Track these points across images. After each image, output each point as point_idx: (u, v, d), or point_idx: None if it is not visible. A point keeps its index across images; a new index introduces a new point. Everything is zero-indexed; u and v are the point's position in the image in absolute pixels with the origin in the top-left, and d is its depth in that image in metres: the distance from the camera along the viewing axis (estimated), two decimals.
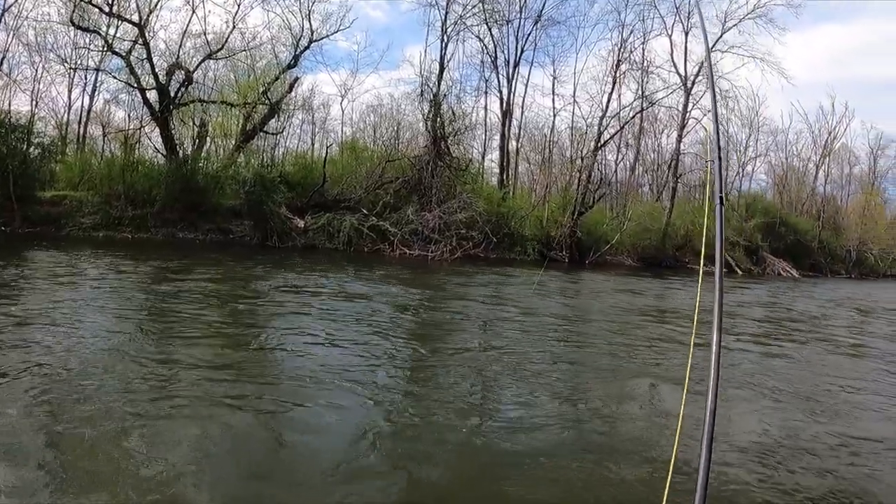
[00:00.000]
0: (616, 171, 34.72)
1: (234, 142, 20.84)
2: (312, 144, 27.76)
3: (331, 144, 25.28)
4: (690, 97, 32.84)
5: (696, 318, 2.45)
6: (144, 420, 3.96)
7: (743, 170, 42.82)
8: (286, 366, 5.71)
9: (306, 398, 4.71)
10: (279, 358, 6.00)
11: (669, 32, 32.63)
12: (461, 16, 26.78)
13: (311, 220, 20.28)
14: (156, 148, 20.59)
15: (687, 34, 32.53)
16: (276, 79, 21.68)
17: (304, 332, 7.10)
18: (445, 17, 25.98)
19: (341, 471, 3.50)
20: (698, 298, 2.47)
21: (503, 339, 7.79)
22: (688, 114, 32.86)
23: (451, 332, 8.28)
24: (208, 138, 20.97)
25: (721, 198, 2.24)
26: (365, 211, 21.29)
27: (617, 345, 7.86)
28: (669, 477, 1.88)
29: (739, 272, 33.28)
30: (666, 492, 1.74)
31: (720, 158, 2.24)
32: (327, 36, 23.52)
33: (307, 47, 22.76)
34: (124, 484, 3.10)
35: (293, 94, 23.52)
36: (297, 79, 23.31)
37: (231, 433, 3.89)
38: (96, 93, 22.66)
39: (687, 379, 2.35)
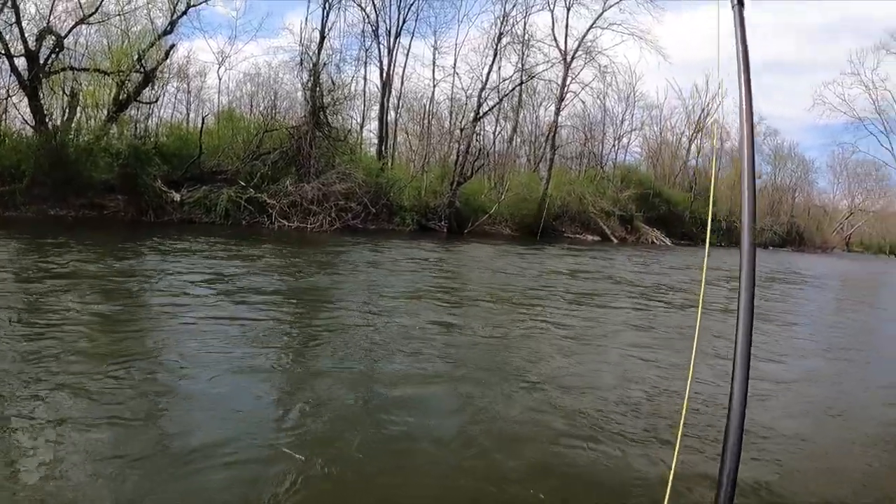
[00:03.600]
0: (494, 142, 37.51)
1: (106, 112, 21.43)
2: (188, 114, 28.41)
3: (207, 114, 26.23)
4: (569, 71, 35.76)
5: (702, 291, 2.90)
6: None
7: (619, 142, 46.57)
8: (162, 351, 5.67)
9: (181, 384, 4.82)
10: (153, 344, 5.96)
11: (551, 7, 35.58)
12: None
13: (187, 193, 21.19)
14: (24, 119, 20.95)
15: (569, 10, 35.59)
16: (152, 45, 22.11)
17: (180, 312, 7.22)
18: None
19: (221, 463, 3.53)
20: (704, 271, 2.33)
21: (384, 313, 8.34)
22: (566, 87, 35.90)
23: (330, 308, 8.65)
24: (79, 108, 21.39)
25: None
26: (242, 183, 22.53)
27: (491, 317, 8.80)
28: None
29: (614, 240, 36.89)
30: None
31: None
32: (205, 1, 24.32)
33: (184, 12, 23.34)
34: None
35: (169, 61, 24.01)
36: (173, 45, 23.75)
37: (102, 437, 3.75)
38: None
39: (693, 361, 2.42)
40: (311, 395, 4.82)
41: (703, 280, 2.33)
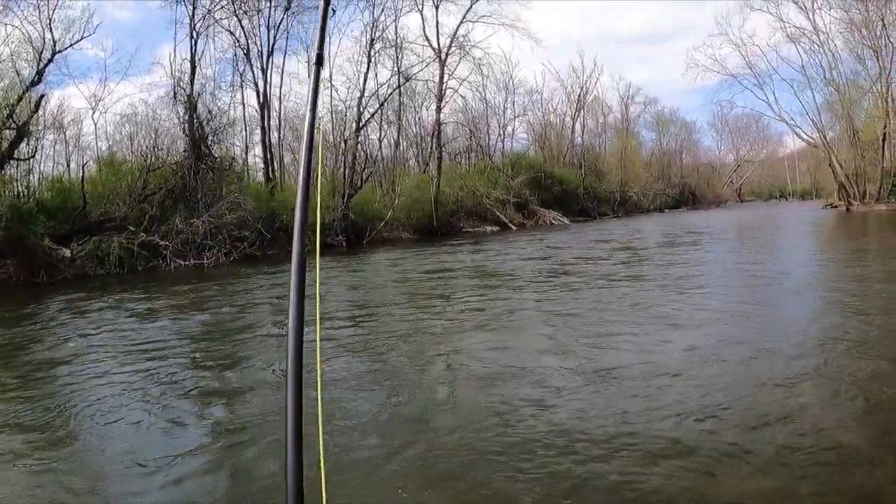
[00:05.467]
0: (381, 148, 39.06)
1: None
2: (68, 165, 28.28)
3: (87, 162, 26.23)
4: (445, 68, 37.53)
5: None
6: None
7: (504, 131, 48.78)
8: (79, 421, 5.75)
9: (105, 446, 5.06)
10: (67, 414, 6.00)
11: (420, 8, 37.35)
12: (209, 10, 28.96)
13: (77, 247, 21.42)
14: None
15: (437, 8, 37.45)
16: (20, 99, 22.16)
17: (83, 377, 7.28)
18: (193, 12, 28.08)
19: None
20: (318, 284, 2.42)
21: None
22: (444, 84, 37.66)
23: (239, 349, 8.66)
24: None
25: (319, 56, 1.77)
26: (132, 228, 22.98)
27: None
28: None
29: (513, 227, 38.79)
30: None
31: None
32: (71, 45, 24.48)
33: (50, 60, 23.53)
34: None
35: (41, 112, 24.02)
36: (43, 96, 23.82)
37: None
38: None
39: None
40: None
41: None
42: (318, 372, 1.77)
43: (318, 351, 1.83)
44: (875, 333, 7.40)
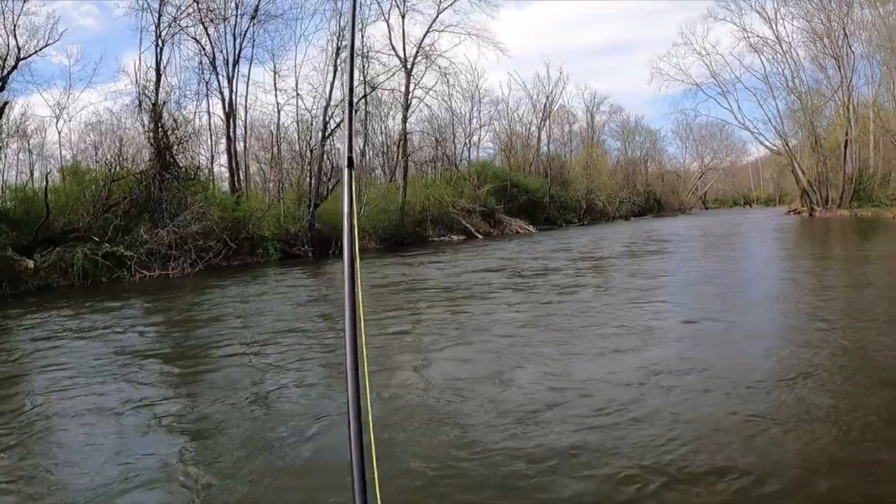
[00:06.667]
0: None
1: None
2: (31, 174, 28.29)
3: (50, 171, 26.24)
4: (411, 77, 38.04)
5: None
6: None
7: (469, 140, 49.48)
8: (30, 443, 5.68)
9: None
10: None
11: (386, 17, 37.98)
12: (175, 17, 29.05)
13: (40, 258, 21.38)
14: None
15: (404, 17, 38.06)
16: None
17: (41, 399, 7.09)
18: (159, 19, 28.08)
19: None
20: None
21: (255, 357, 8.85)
22: (410, 94, 38.17)
23: (205, 359, 8.90)
24: None
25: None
26: (96, 238, 23.00)
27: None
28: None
29: (479, 236, 39.31)
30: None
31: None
32: (36, 52, 24.66)
33: (14, 67, 23.60)
34: None
35: (4, 120, 24.16)
36: (6, 103, 23.89)
37: None
38: None
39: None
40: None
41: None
42: (365, 374, 1.96)
43: (365, 359, 1.95)
44: (840, 349, 7.50)
